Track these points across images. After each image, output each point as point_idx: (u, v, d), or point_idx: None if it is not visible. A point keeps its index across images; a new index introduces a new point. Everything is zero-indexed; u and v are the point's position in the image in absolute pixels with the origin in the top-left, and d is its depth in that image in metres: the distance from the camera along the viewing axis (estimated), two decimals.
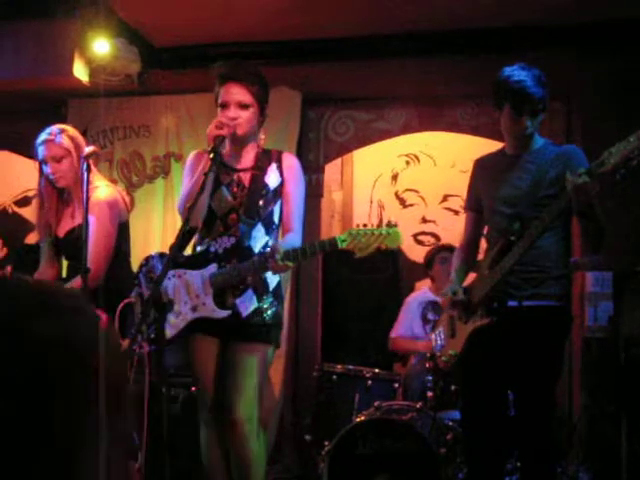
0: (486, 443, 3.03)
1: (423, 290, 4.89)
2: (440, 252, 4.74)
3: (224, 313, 2.93)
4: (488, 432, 3.02)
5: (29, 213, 5.79)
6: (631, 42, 4.28)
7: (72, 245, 3.27)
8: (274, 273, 2.91)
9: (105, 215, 3.29)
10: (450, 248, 4.58)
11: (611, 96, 4.50)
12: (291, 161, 3.11)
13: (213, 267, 2.95)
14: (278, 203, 3.05)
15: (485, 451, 3.04)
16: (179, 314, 2.95)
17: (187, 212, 2.72)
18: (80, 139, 3.44)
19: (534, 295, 2.93)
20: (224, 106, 2.96)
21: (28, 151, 3.64)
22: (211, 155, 2.79)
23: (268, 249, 2.97)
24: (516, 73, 2.93)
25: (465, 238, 3.30)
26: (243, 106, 2.95)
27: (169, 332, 2.92)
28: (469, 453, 3.23)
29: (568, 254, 3.07)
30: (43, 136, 3.38)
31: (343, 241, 2.73)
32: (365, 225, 2.78)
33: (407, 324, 4.72)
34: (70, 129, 3.46)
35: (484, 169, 3.19)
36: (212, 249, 3.00)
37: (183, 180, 3.12)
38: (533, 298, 2.93)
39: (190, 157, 3.13)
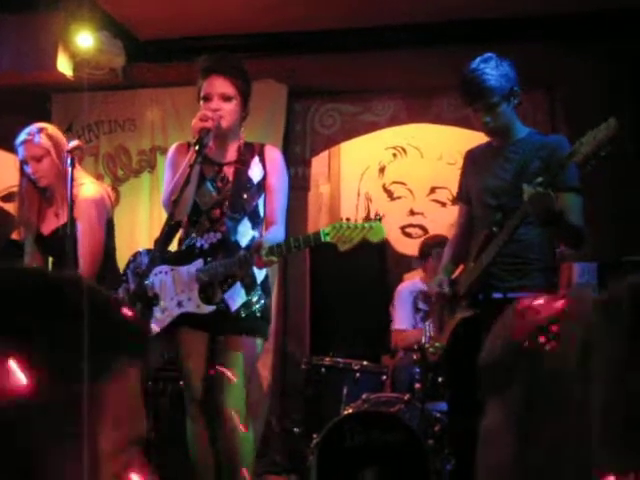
0: (473, 435, 3.04)
1: (414, 280, 4.89)
2: (436, 247, 4.69)
3: (209, 309, 2.93)
4: (475, 424, 3.03)
5: (14, 209, 5.75)
6: (614, 31, 4.29)
7: (58, 244, 3.25)
8: (259, 268, 2.92)
9: (93, 214, 3.28)
10: (441, 242, 4.55)
11: (595, 85, 4.51)
12: (273, 154, 3.11)
13: (199, 262, 2.95)
14: (262, 196, 3.05)
15: (472, 443, 3.04)
16: (165, 310, 2.95)
17: (172, 206, 2.71)
18: (60, 137, 3.41)
19: (519, 287, 2.93)
20: (207, 99, 2.95)
21: (12, 147, 3.61)
22: (196, 147, 2.79)
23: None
24: (471, 69, 2.91)
25: (457, 230, 3.31)
26: (226, 98, 2.95)
27: (155, 327, 2.92)
28: (456, 445, 3.24)
29: (553, 245, 3.07)
30: (22, 136, 3.36)
31: (327, 234, 2.76)
32: (348, 219, 2.81)
33: (404, 315, 4.71)
34: (50, 127, 3.44)
35: (473, 161, 3.19)
36: (198, 244, 2.99)
37: (165, 173, 3.11)
38: (518, 290, 2.93)
39: (171, 150, 3.13)
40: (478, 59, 2.93)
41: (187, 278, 2.95)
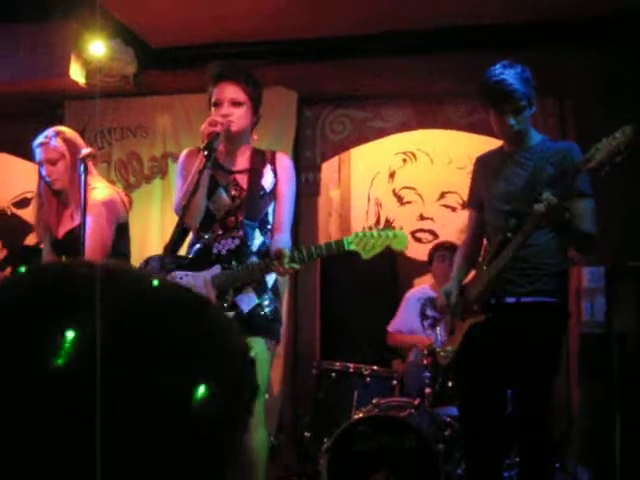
0: (484, 439, 3.04)
1: (423, 286, 4.92)
2: (438, 250, 4.77)
3: (229, 315, 2.94)
4: (486, 428, 3.04)
5: (28, 214, 5.80)
6: (624, 37, 4.30)
7: (71, 246, 3.28)
8: (281, 275, 2.95)
9: (101, 216, 3.31)
10: (450, 246, 4.61)
11: (605, 92, 4.51)
12: (285, 161, 3.14)
13: (217, 268, 2.95)
14: (272, 204, 3.08)
15: (483, 447, 3.05)
16: None
17: (182, 211, 2.74)
18: (77, 141, 3.45)
19: (532, 291, 2.94)
20: (217, 104, 2.98)
21: (26, 153, 3.66)
22: (205, 152, 2.81)
23: (264, 249, 3.00)
24: (497, 72, 2.94)
25: (467, 236, 3.32)
26: (236, 103, 2.97)
27: None
28: (467, 449, 3.25)
29: (565, 250, 3.08)
30: (39, 139, 3.41)
31: (350, 243, 2.82)
32: (371, 228, 2.84)
33: (405, 319, 4.76)
34: (67, 131, 3.48)
35: (484, 167, 3.20)
36: (215, 250, 2.99)
37: (176, 180, 3.14)
38: (531, 294, 2.94)
39: (182, 156, 3.15)
40: (499, 64, 2.96)
41: (204, 283, 2.95)
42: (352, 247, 2.82)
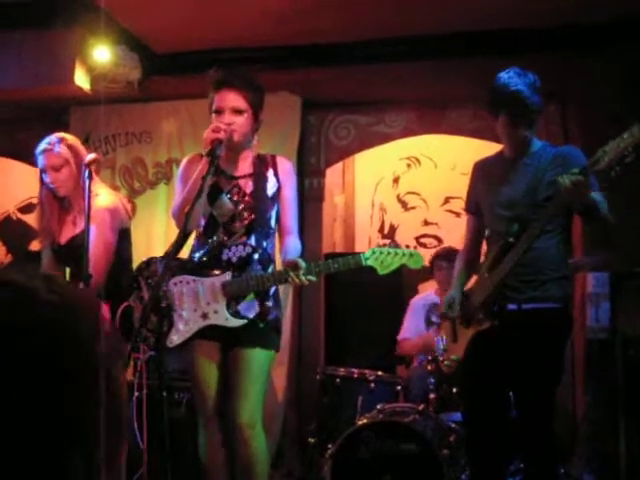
0: (489, 445, 3.04)
1: (428, 292, 4.91)
2: (436, 259, 4.75)
3: (238, 322, 2.92)
4: (490, 434, 3.03)
5: (33, 220, 5.82)
6: (627, 42, 4.29)
7: (74, 252, 3.29)
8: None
9: (105, 222, 3.31)
10: (447, 254, 4.60)
11: (608, 97, 4.50)
12: (286, 165, 3.14)
13: (228, 275, 2.94)
14: (275, 208, 3.08)
15: (488, 453, 3.04)
16: (188, 321, 2.94)
17: (185, 217, 2.74)
18: (79, 147, 3.45)
19: (533, 298, 2.93)
20: (218, 112, 2.98)
21: (31, 159, 3.66)
22: (208, 159, 2.81)
23: (266, 255, 3.00)
24: (512, 81, 2.90)
25: (466, 241, 3.31)
26: (237, 112, 2.96)
27: (177, 339, 2.93)
28: (472, 455, 3.23)
29: (568, 256, 3.07)
30: (42, 145, 3.41)
31: (367, 259, 2.86)
32: (383, 245, 2.87)
33: (411, 326, 4.74)
34: (69, 137, 3.48)
35: (483, 172, 3.19)
36: (225, 257, 2.98)
37: (176, 185, 3.13)
38: (532, 301, 2.93)
39: (184, 162, 3.14)
40: (513, 72, 2.93)
41: (213, 290, 2.93)
42: (369, 263, 2.85)
